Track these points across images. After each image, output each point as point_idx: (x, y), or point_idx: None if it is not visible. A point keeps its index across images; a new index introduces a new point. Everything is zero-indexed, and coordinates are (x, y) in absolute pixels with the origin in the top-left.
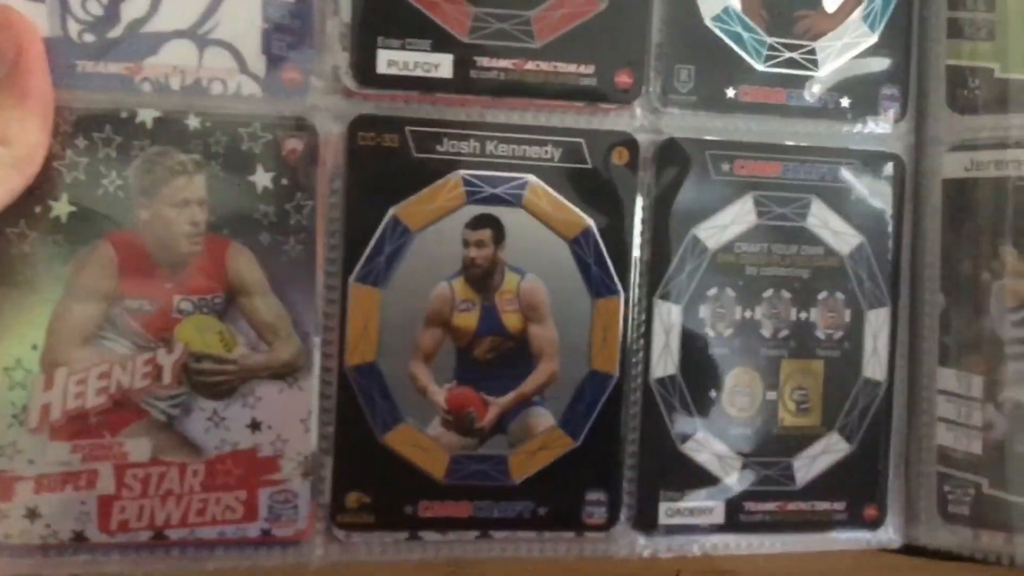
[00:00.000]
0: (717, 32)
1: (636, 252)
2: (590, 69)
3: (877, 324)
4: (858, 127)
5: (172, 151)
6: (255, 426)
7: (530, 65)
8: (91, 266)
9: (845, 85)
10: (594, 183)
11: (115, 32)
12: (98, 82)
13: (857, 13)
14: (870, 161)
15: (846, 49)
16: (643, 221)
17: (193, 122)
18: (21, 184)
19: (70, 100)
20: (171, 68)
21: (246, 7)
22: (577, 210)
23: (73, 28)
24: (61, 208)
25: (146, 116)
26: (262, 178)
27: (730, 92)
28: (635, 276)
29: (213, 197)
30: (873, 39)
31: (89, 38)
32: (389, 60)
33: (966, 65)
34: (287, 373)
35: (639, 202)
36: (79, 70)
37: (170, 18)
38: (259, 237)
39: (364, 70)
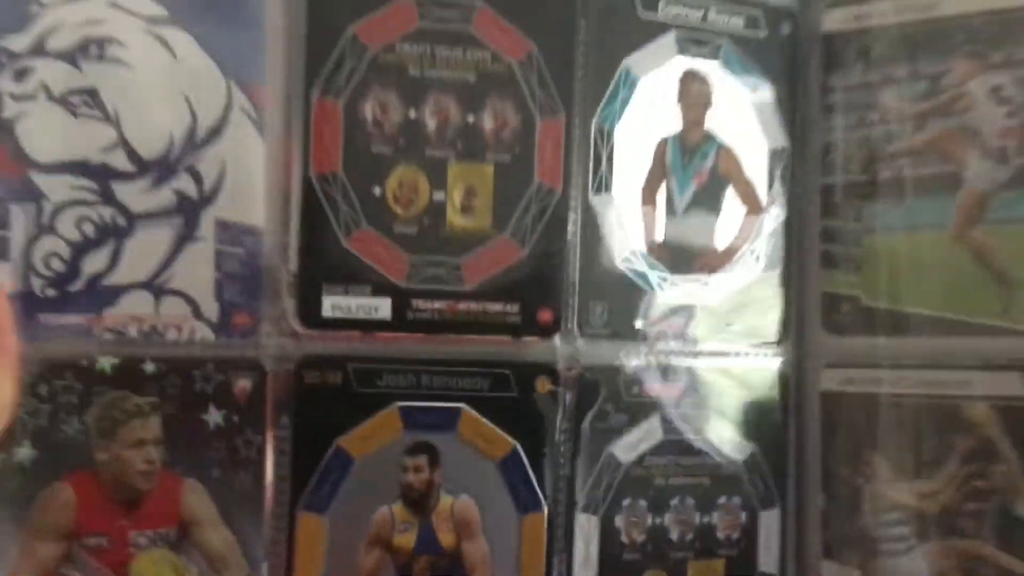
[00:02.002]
0: (626, 271)
1: (559, 470)
2: (515, 308)
3: (769, 523)
4: (748, 348)
5: (129, 395)
6: None
7: (461, 305)
8: (51, 507)
9: (736, 308)
10: (520, 409)
11: (76, 286)
12: (59, 332)
13: (745, 248)
14: (756, 383)
15: (736, 280)
16: (564, 442)
17: (150, 367)
18: None
19: (32, 351)
20: (129, 317)
21: (200, 258)
22: (504, 434)
23: (36, 283)
24: (22, 454)
25: (105, 364)
26: (214, 416)
27: (637, 323)
28: (557, 491)
29: (168, 436)
30: (759, 270)
31: (51, 292)
32: (333, 304)
33: (837, 293)
34: None
35: (560, 425)
36: (41, 322)
37: (129, 271)
38: (211, 472)
39: (310, 314)
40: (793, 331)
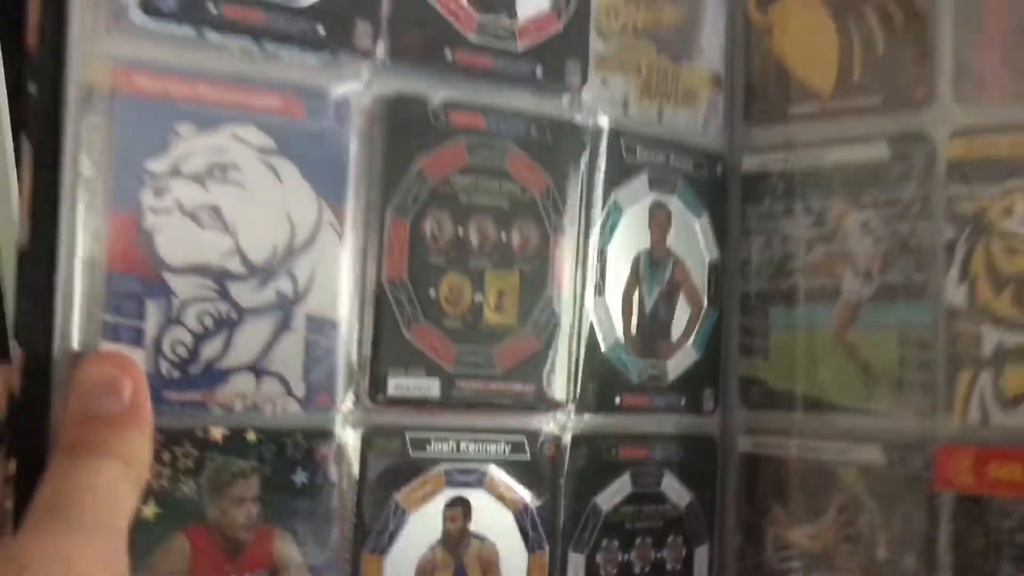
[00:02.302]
0: (610, 359)
1: (557, 517)
2: (531, 388)
3: (701, 558)
4: (690, 419)
5: (235, 460)
6: None
7: (493, 386)
8: (171, 557)
9: (683, 386)
10: (531, 470)
11: (195, 369)
12: (179, 407)
13: (692, 339)
14: (695, 446)
15: (683, 364)
16: (562, 496)
17: (251, 436)
18: (139, 497)
19: (158, 422)
20: (236, 395)
21: (293, 346)
22: (520, 489)
23: (164, 366)
24: (148, 511)
25: (216, 433)
26: (301, 477)
27: (616, 400)
28: (555, 534)
29: (263, 494)
30: (697, 357)
31: (175, 374)
32: (396, 385)
33: (752, 375)
34: None
35: (559, 481)
36: (165, 398)
37: (237, 356)
38: (297, 523)
39: (378, 392)
40: (721, 404)
